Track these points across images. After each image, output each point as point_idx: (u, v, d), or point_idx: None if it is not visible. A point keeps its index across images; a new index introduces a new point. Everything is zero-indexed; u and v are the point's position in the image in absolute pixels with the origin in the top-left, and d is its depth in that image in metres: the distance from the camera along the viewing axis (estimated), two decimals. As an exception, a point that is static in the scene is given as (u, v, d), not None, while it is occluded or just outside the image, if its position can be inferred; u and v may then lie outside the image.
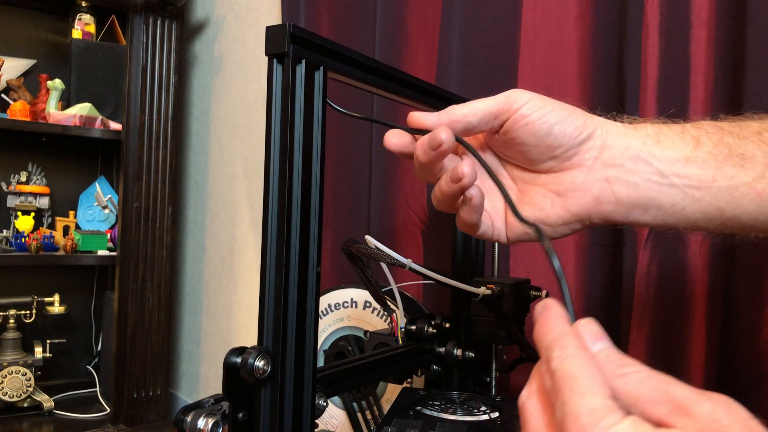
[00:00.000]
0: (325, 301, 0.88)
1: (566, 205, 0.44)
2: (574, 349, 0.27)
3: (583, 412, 0.24)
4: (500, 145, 0.46)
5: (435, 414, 0.54)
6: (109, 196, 1.80)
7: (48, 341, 1.74)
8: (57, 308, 1.77)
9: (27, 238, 1.63)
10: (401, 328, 0.65)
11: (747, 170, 0.40)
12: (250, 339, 1.57)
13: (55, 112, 1.64)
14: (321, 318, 0.88)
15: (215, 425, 0.40)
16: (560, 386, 0.26)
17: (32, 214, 1.76)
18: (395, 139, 0.45)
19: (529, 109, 0.42)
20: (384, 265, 0.66)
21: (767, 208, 0.40)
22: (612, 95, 0.79)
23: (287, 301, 0.42)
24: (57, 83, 1.67)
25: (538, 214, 0.44)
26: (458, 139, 0.41)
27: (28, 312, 1.74)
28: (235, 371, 0.40)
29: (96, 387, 1.89)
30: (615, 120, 0.44)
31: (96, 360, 1.95)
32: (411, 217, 1.03)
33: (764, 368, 0.64)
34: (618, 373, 0.26)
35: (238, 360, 0.40)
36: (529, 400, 0.28)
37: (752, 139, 0.41)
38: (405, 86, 0.55)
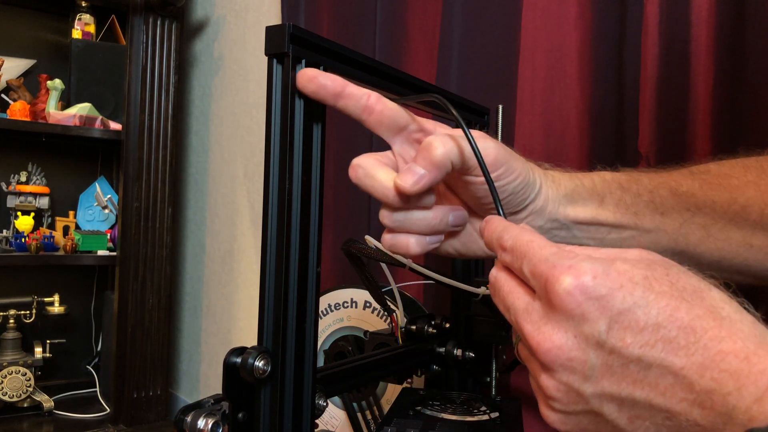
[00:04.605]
0: (325, 301, 0.88)
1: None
2: (519, 229, 0.33)
3: (550, 255, 0.30)
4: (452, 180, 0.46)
5: (435, 414, 0.54)
6: (109, 196, 1.80)
7: (48, 341, 1.73)
8: (57, 308, 1.77)
9: (27, 238, 1.63)
10: (401, 328, 0.65)
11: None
12: (250, 339, 1.57)
13: (55, 112, 1.64)
14: (321, 318, 0.88)
15: (215, 425, 0.40)
16: (522, 251, 0.31)
17: (32, 214, 1.76)
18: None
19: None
20: (384, 265, 0.66)
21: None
22: (612, 95, 0.79)
23: (287, 301, 0.42)
24: (57, 83, 1.67)
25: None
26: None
27: (28, 312, 1.74)
28: (235, 371, 0.40)
29: (96, 387, 1.89)
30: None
31: (96, 360, 1.95)
32: (411, 217, 1.02)
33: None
34: None
35: (238, 360, 0.40)
36: (498, 274, 0.34)
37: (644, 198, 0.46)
38: (405, 86, 0.55)
